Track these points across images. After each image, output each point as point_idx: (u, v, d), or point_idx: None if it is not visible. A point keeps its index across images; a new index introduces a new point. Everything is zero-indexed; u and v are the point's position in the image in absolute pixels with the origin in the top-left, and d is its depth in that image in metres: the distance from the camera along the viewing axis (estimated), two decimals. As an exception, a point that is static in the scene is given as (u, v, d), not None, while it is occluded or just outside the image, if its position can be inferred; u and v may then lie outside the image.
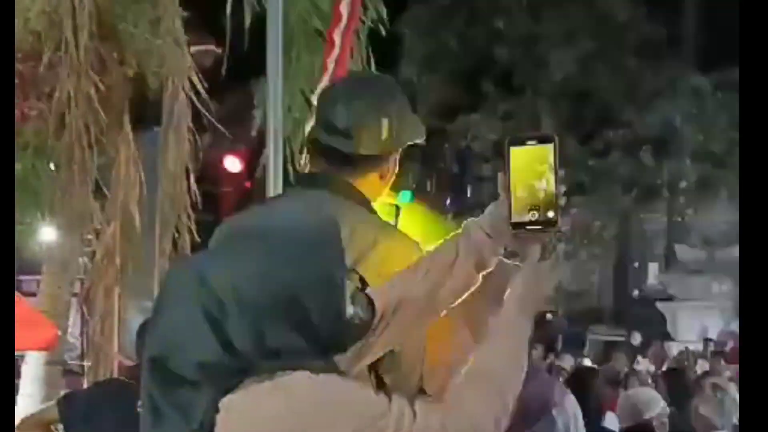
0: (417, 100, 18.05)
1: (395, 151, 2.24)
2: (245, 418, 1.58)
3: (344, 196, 2.17)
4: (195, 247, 6.37)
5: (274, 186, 4.71)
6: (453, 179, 20.05)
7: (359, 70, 5.99)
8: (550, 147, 1.86)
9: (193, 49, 6.87)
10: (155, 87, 6.57)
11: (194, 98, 6.62)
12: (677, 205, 20.36)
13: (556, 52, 18.47)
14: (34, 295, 7.26)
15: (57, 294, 6.66)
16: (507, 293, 1.87)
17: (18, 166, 6.79)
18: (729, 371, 11.11)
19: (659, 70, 19.46)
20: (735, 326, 15.75)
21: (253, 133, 9.79)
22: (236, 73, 7.35)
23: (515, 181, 1.85)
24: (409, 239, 2.17)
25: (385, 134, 2.18)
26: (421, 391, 2.16)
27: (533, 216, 1.83)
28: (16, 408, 4.76)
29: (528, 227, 1.85)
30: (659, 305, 18.80)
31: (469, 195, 19.57)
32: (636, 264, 20.66)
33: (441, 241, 2.00)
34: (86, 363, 7.26)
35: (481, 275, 1.95)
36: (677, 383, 8.00)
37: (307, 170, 2.29)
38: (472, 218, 1.96)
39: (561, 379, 9.27)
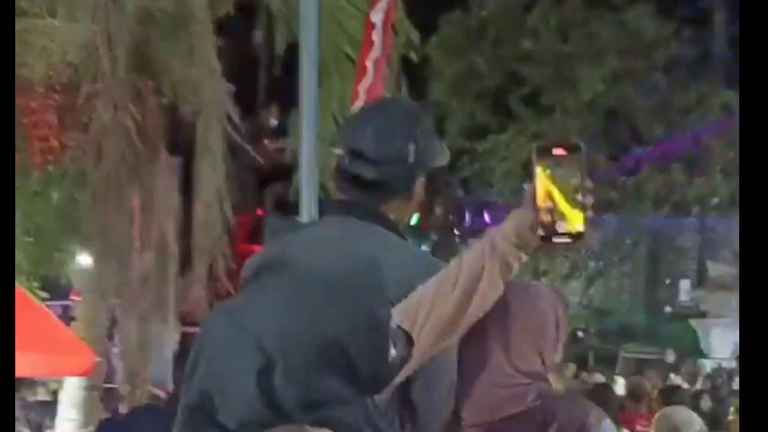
0: (446, 121, 18.07)
1: (420, 175, 2.22)
2: None
3: (373, 223, 2.15)
4: (230, 275, 6.40)
5: (308, 214, 4.72)
6: (458, 203, 19.95)
7: (383, 96, 6.02)
8: (577, 156, 1.83)
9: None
10: (190, 116, 6.63)
11: (227, 126, 6.66)
12: (708, 221, 20.17)
13: (585, 70, 18.42)
14: (74, 319, 7.32)
15: (94, 319, 6.71)
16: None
17: (56, 195, 6.87)
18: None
19: (689, 87, 19.34)
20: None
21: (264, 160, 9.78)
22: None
23: (542, 191, 1.82)
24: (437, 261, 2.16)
25: (411, 160, 2.16)
26: (455, 415, 2.14)
27: (560, 228, 1.81)
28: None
29: (555, 239, 1.83)
30: (692, 322, 18.59)
31: (469, 219, 19.44)
32: (667, 281, 20.45)
33: (466, 252, 1.96)
34: (123, 388, 7.30)
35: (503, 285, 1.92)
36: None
37: (337, 197, 2.27)
38: (496, 227, 1.92)
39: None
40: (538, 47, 18.70)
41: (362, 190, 2.17)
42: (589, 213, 1.81)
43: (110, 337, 7.86)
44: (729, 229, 20.28)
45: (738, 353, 15.40)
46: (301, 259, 1.88)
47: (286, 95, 6.29)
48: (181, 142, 6.79)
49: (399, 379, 1.85)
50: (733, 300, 19.21)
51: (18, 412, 7.37)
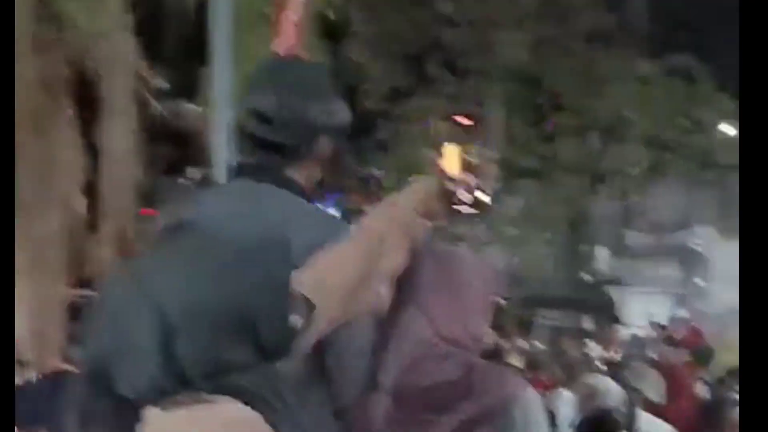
0: (364, 83, 17.94)
1: (324, 136, 2.15)
2: None
3: (278, 185, 2.09)
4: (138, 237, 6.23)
5: (221, 177, 4.62)
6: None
7: (288, 55, 5.89)
8: (482, 125, 1.83)
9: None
10: (96, 70, 6.41)
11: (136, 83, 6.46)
12: (626, 190, 20.54)
13: (504, 36, 18.48)
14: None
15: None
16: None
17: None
18: (679, 356, 11.28)
19: (608, 55, 19.59)
20: (683, 311, 15.94)
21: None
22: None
23: (446, 158, 1.81)
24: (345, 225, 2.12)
25: (311, 120, 2.11)
26: (374, 383, 2.12)
27: (464, 196, 1.80)
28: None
29: (459, 207, 1.80)
30: (609, 290, 18.98)
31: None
32: (586, 249, 20.81)
33: (368, 218, 1.96)
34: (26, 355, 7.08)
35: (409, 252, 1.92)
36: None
37: (241, 160, 2.17)
38: (399, 193, 1.92)
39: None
40: (458, 11, 18.69)
41: (266, 152, 2.12)
42: (494, 181, 1.81)
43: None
44: (646, 199, 20.73)
45: (655, 321, 15.83)
46: (204, 224, 1.81)
47: (198, 54, 6.11)
48: (88, 98, 6.56)
49: (306, 345, 1.85)
50: (648, 269, 19.68)
51: None
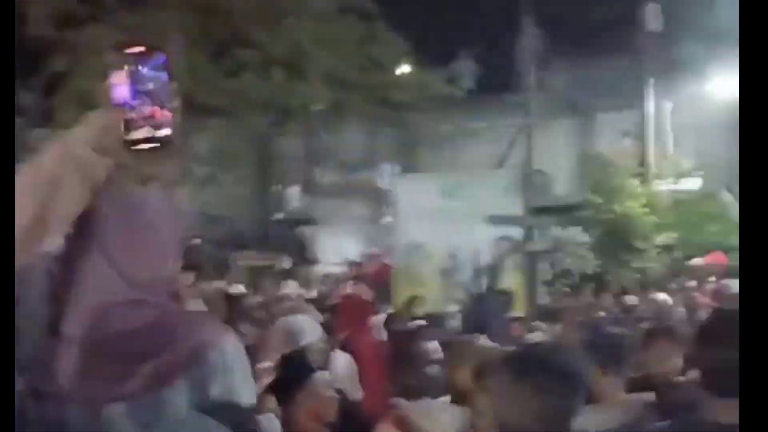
0: (29, 6, 16.63)
1: None
2: None
3: None
4: None
5: None
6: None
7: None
8: (158, 56, 1.72)
9: None
10: None
11: None
12: (312, 128, 20.68)
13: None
14: None
15: None
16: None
17: None
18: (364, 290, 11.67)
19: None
20: (373, 247, 16.46)
21: None
22: None
23: (120, 91, 1.68)
24: None
25: None
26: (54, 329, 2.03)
27: (145, 132, 1.68)
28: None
29: (140, 144, 1.73)
30: (303, 229, 19.19)
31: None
32: (277, 187, 20.88)
33: (39, 157, 1.87)
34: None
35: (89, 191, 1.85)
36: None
37: None
38: (73, 130, 1.83)
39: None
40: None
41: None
42: (176, 116, 1.67)
43: None
44: (332, 136, 21.06)
45: (347, 258, 16.22)
46: None
47: None
48: None
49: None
50: (339, 207, 20.13)
51: None
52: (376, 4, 20.22)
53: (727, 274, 14.37)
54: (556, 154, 20.13)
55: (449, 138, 20.04)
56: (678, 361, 5.27)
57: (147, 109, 1.73)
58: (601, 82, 19.03)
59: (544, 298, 14.38)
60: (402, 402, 4.78)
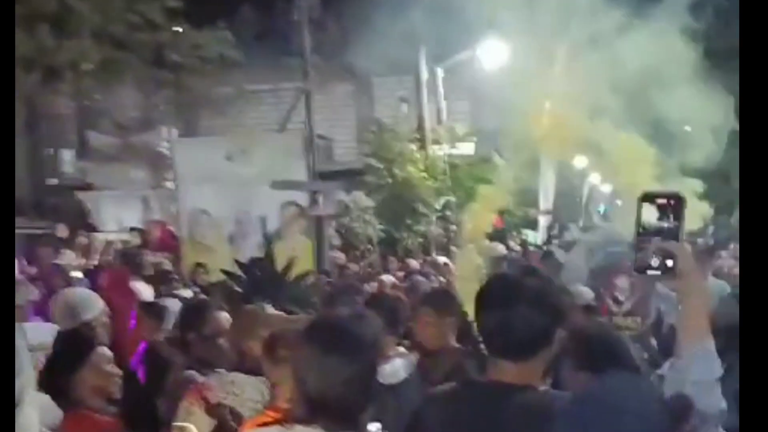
0: None
1: None
2: None
3: None
4: None
5: None
6: None
7: None
8: None
9: None
10: None
11: None
12: (83, 88, 19.68)
13: None
14: None
15: None
16: None
17: None
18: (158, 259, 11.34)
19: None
20: (154, 213, 15.96)
21: None
22: None
23: None
24: None
25: None
26: None
27: None
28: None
29: None
30: (80, 195, 18.27)
31: None
32: (50, 151, 19.77)
33: None
34: None
35: None
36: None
37: None
38: None
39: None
40: None
41: None
42: None
43: None
44: (105, 97, 20.11)
45: (128, 225, 15.62)
46: None
47: None
48: None
49: None
50: (117, 172, 19.34)
51: None
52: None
53: (500, 237, 15.01)
54: (337, 119, 20.28)
55: (230, 101, 19.72)
56: (448, 324, 5.44)
57: None
58: (376, 46, 19.27)
59: (332, 263, 14.43)
60: (196, 375, 4.62)
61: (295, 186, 13.80)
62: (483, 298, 2.95)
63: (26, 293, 8.13)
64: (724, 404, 2.28)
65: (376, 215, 17.12)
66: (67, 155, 20.11)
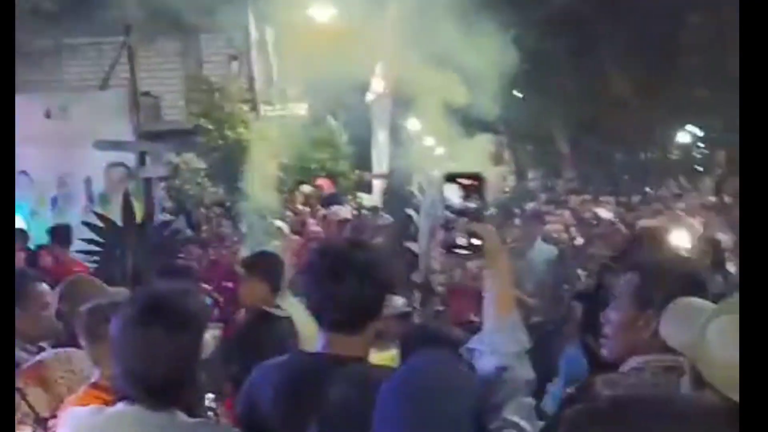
0: None
1: None
2: None
3: None
4: None
5: None
6: None
7: None
8: None
9: None
10: None
11: None
12: None
13: None
14: None
15: None
16: None
17: None
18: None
19: None
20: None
21: None
22: None
23: None
24: None
25: None
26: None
27: None
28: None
29: None
30: None
31: None
32: None
33: None
34: None
35: None
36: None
37: None
38: None
39: None
40: None
41: None
42: None
43: None
44: None
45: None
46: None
47: None
48: None
49: None
50: None
51: None
52: None
53: (334, 200, 14.91)
54: (164, 77, 19.54)
55: (47, 54, 18.66)
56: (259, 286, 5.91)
57: None
58: (202, 1, 18.66)
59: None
60: (22, 354, 4.38)
61: (120, 146, 13.24)
62: (310, 271, 2.98)
63: None
64: (532, 374, 2.41)
65: (208, 177, 16.68)
66: None
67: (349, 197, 17.82)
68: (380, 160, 21.25)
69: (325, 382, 2.72)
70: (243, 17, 19.93)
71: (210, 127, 17.91)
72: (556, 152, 38.17)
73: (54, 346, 4.52)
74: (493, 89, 10.80)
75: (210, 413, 3.20)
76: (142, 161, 13.67)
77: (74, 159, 12.69)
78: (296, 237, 11.84)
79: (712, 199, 16.57)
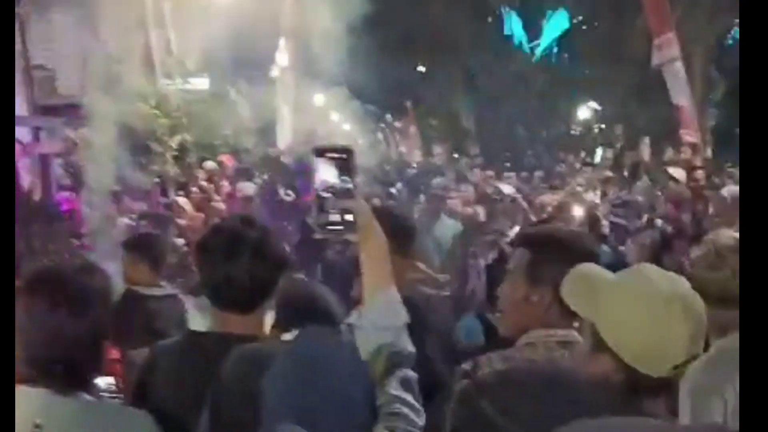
0: None
1: None
2: None
3: None
4: None
5: None
6: None
7: None
8: None
9: None
10: None
11: None
12: None
13: None
14: None
15: None
16: None
17: None
18: None
19: None
20: None
21: None
22: None
23: None
24: None
25: None
26: None
27: None
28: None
29: None
30: None
31: None
32: None
33: None
34: None
35: None
36: None
37: None
38: None
39: None
40: None
41: None
42: None
43: None
44: None
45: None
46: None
47: None
48: None
49: None
50: None
51: None
52: None
53: (239, 176, 14.79)
54: (59, 48, 19.02)
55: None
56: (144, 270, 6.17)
57: None
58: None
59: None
60: None
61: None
62: (204, 250, 2.98)
63: None
64: (412, 348, 2.44)
65: (108, 153, 16.28)
66: None
67: (257, 173, 17.65)
68: (284, 135, 21.16)
69: (217, 361, 2.68)
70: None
71: (107, 101, 17.51)
72: (461, 128, 38.57)
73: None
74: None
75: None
76: (36, 136, 13.37)
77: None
78: (199, 214, 11.73)
79: (609, 173, 17.06)
